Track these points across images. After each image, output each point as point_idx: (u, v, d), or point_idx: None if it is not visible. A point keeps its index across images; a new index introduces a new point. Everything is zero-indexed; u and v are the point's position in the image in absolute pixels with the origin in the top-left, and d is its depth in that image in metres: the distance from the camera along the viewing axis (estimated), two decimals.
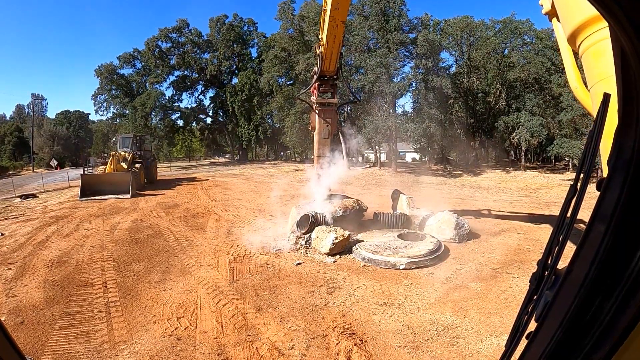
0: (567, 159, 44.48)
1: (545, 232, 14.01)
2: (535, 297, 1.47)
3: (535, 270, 1.51)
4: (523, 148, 43.90)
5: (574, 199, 1.34)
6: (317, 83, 13.78)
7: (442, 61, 47.00)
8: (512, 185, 33.11)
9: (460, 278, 9.40)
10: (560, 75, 39.08)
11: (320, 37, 13.29)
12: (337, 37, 12.28)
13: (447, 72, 46.32)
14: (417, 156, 62.84)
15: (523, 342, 1.48)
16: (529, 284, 1.51)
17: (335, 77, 13.93)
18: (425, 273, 9.75)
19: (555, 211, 19.13)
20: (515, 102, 42.52)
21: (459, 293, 8.49)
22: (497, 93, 43.15)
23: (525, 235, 13.59)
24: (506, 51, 43.61)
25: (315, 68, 13.87)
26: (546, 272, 1.43)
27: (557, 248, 1.40)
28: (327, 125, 13.82)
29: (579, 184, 1.33)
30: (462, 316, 7.33)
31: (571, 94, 33.64)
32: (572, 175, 37.16)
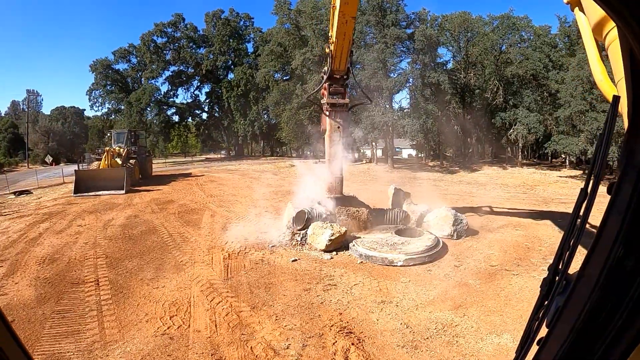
0: (563, 155, 44.54)
1: (543, 228, 13.92)
2: (546, 302, 1.43)
3: (545, 274, 1.44)
4: (520, 144, 43.94)
5: (585, 202, 1.29)
6: (327, 83, 13.46)
7: (440, 57, 47.08)
8: (509, 182, 33.11)
9: (458, 275, 9.29)
10: (557, 72, 39.09)
11: (329, 34, 13.01)
12: (347, 34, 11.99)
13: (444, 67, 46.29)
14: (413, 152, 62.88)
15: (534, 349, 1.43)
16: (539, 289, 1.46)
17: (346, 76, 13.57)
18: (423, 270, 9.64)
19: (554, 207, 19.11)
20: (512, 98, 42.56)
21: (458, 290, 8.37)
22: (495, 89, 43.14)
23: (523, 231, 13.48)
24: (504, 47, 43.64)
25: (325, 68, 13.50)
26: (557, 277, 1.39)
27: (567, 253, 1.36)
28: (339, 127, 13.51)
29: (589, 187, 1.27)
30: (462, 314, 7.22)
31: (564, 91, 33.67)
32: (570, 172, 37.33)
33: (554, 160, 52.52)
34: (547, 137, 40.53)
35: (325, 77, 13.44)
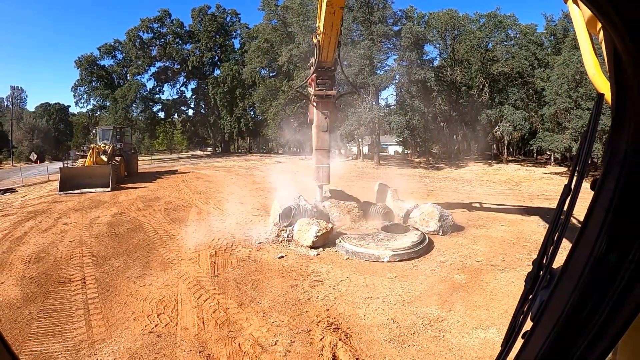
0: (548, 152, 44.97)
1: (528, 224, 14.08)
2: (530, 296, 1.45)
3: (530, 269, 1.48)
4: (506, 141, 44.27)
5: (569, 198, 1.31)
6: (314, 74, 13.41)
7: (426, 54, 47.05)
8: (494, 178, 33.38)
9: (444, 270, 9.37)
10: (543, 70, 39.39)
11: (317, 25, 12.77)
12: (334, 25, 11.77)
13: (431, 65, 46.32)
14: (399, 149, 63.06)
15: (519, 342, 1.46)
16: (524, 283, 1.48)
17: (333, 67, 13.52)
18: (410, 266, 9.69)
19: (539, 203, 19.30)
20: (498, 95, 42.81)
21: (444, 286, 8.44)
22: (481, 86, 43.37)
23: (508, 227, 13.63)
24: (490, 45, 43.82)
25: (313, 59, 13.45)
26: (541, 272, 1.41)
27: (552, 247, 1.38)
28: (326, 118, 13.53)
29: (573, 183, 1.29)
30: (448, 309, 7.28)
31: (550, 89, 33.90)
32: (555, 169, 37.70)
33: (539, 157, 53.03)
34: (532, 134, 40.86)
35: (312, 68, 13.37)
